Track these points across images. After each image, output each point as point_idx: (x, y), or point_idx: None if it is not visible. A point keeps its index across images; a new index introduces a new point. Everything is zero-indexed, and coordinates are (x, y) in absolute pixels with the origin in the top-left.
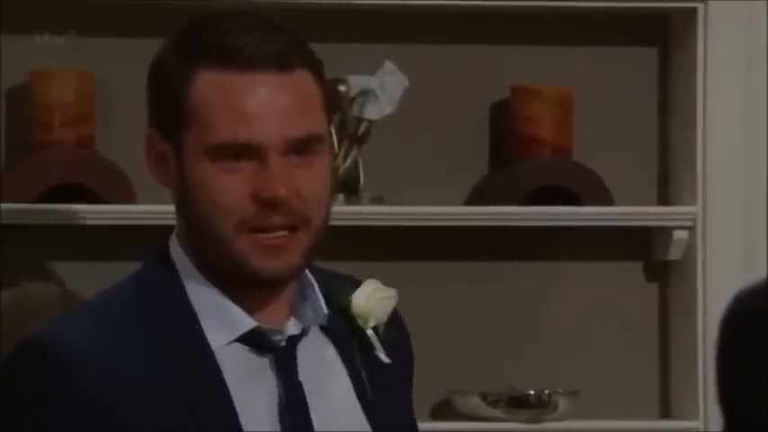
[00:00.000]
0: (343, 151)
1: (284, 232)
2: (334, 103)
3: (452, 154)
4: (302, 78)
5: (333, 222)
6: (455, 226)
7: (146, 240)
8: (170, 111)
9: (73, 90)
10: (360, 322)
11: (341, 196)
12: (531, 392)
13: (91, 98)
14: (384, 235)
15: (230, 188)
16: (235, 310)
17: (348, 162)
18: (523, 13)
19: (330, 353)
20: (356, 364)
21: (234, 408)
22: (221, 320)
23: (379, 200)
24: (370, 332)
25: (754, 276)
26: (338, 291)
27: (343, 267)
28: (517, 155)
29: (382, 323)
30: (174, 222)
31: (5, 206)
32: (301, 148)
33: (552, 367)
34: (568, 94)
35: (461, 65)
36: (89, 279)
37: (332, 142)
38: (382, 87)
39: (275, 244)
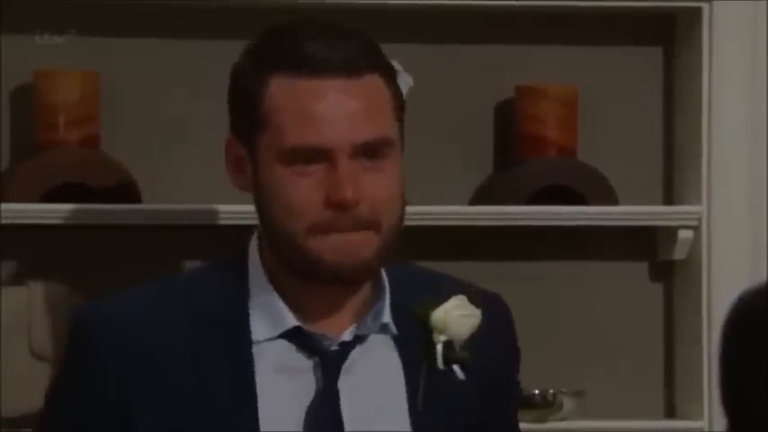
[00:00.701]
0: None
1: (355, 233)
2: None
3: (457, 153)
4: (372, 83)
5: None
6: (460, 225)
7: (150, 240)
8: (246, 116)
9: (78, 90)
10: (434, 336)
11: None
12: (536, 392)
13: (96, 98)
14: None
15: (302, 192)
16: (281, 307)
17: None
18: (528, 12)
19: (394, 361)
20: (417, 376)
21: (255, 402)
22: (269, 316)
23: None
24: (438, 347)
25: (760, 276)
26: (425, 300)
27: None
28: (522, 154)
29: (461, 339)
30: (179, 222)
31: (9, 206)
32: (371, 151)
33: (557, 367)
34: (573, 93)
35: (466, 64)
36: (94, 278)
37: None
38: None
39: (348, 242)
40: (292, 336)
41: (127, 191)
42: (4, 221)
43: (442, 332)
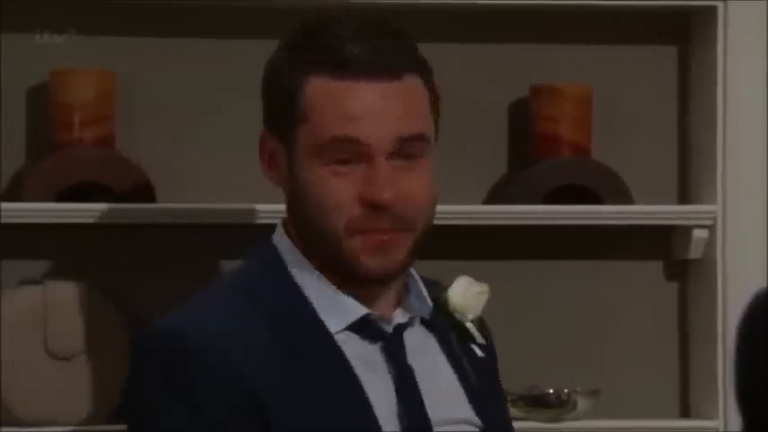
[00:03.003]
0: None
1: (392, 234)
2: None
3: (472, 153)
4: (411, 83)
5: None
6: (474, 225)
7: (164, 239)
8: (282, 111)
9: (93, 89)
10: (457, 316)
11: None
12: (551, 392)
13: (111, 97)
14: None
15: (337, 190)
16: (345, 297)
17: None
18: (543, 11)
19: (432, 344)
20: (457, 355)
21: (367, 398)
22: (333, 308)
23: None
24: (469, 324)
25: None
26: (433, 288)
27: None
28: (536, 154)
29: (478, 316)
30: (193, 222)
31: (25, 205)
32: (407, 150)
33: (572, 366)
34: (588, 92)
35: (481, 63)
36: (109, 278)
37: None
38: None
39: (383, 241)
40: (357, 325)
41: (142, 190)
42: (20, 221)
43: (465, 311)
